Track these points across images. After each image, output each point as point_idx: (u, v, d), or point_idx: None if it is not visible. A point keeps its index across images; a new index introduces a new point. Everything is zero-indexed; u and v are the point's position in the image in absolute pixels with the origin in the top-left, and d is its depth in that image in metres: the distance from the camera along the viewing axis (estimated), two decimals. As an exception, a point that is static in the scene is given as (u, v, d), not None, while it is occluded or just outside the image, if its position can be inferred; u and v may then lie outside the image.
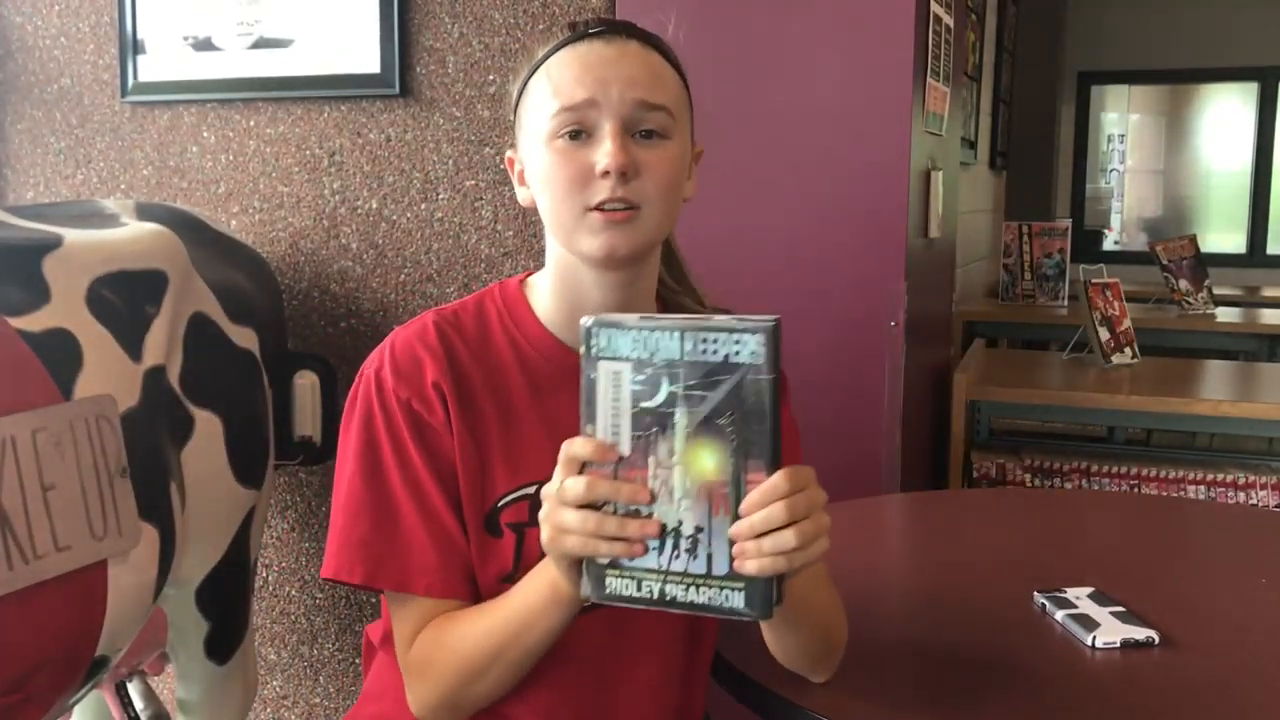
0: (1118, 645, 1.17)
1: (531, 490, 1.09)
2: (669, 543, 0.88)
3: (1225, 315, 4.16)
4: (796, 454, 1.18)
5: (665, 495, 0.88)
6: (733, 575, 0.87)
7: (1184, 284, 4.17)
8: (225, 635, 1.79)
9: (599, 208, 1.03)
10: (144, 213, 1.79)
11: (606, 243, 1.04)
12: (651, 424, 0.87)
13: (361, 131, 2.18)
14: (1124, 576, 1.39)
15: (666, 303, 1.19)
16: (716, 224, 1.99)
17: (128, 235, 1.61)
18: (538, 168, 1.07)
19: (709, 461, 0.87)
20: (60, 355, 1.41)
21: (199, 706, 1.83)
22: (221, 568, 1.72)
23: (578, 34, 1.07)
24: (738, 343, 0.85)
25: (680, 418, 0.87)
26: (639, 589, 0.89)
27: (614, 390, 0.87)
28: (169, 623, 1.72)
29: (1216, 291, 4.32)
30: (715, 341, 0.86)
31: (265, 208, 2.26)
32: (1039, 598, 1.29)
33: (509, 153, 1.15)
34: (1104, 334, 2.81)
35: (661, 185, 1.05)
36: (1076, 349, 2.93)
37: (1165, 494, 2.39)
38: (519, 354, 1.12)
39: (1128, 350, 2.84)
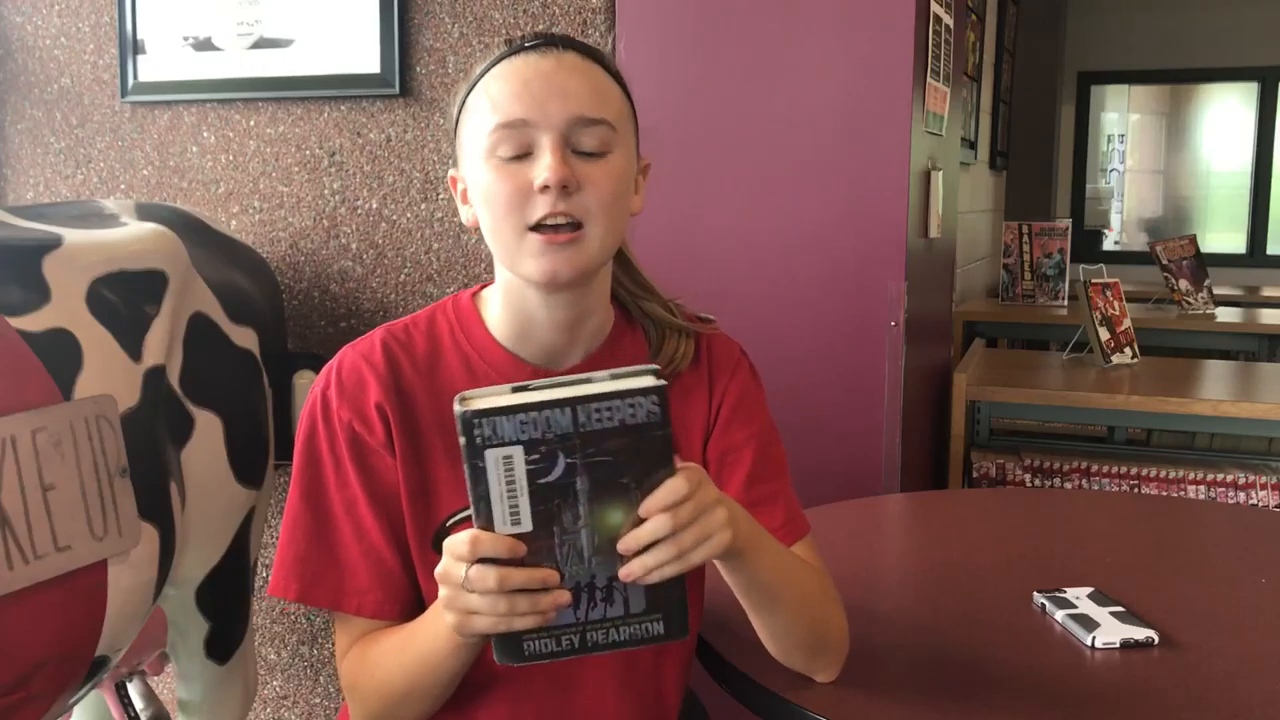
0: (1117, 645, 1.17)
1: None
2: (584, 596, 0.88)
3: (1225, 315, 4.16)
4: (780, 455, 1.19)
5: (574, 556, 0.87)
6: (650, 607, 0.88)
7: (1184, 284, 4.17)
8: (225, 635, 1.78)
9: (540, 226, 1.01)
10: (144, 213, 1.79)
11: (549, 266, 1.02)
12: (553, 495, 0.85)
13: (361, 131, 2.18)
14: (1124, 576, 1.39)
15: (629, 309, 1.18)
16: (717, 224, 1.99)
17: (128, 235, 1.61)
18: (478, 186, 1.05)
19: (615, 518, 0.86)
20: (60, 355, 1.41)
21: (199, 706, 1.83)
22: (221, 568, 1.72)
23: (513, 48, 1.05)
24: (631, 406, 0.84)
25: (582, 485, 0.85)
26: (559, 644, 0.89)
27: (508, 474, 0.84)
28: (169, 623, 1.72)
29: (1216, 291, 4.32)
30: (608, 410, 0.84)
31: (265, 208, 2.26)
32: (1039, 598, 1.29)
33: (451, 172, 1.12)
34: (1104, 334, 2.81)
35: (604, 200, 1.02)
36: (1076, 349, 2.93)
37: (1165, 494, 2.39)
38: (470, 367, 1.11)
39: (1128, 350, 2.84)
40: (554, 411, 0.84)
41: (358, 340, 1.12)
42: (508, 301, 1.10)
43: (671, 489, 0.86)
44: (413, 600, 1.10)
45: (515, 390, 0.87)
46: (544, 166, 1.00)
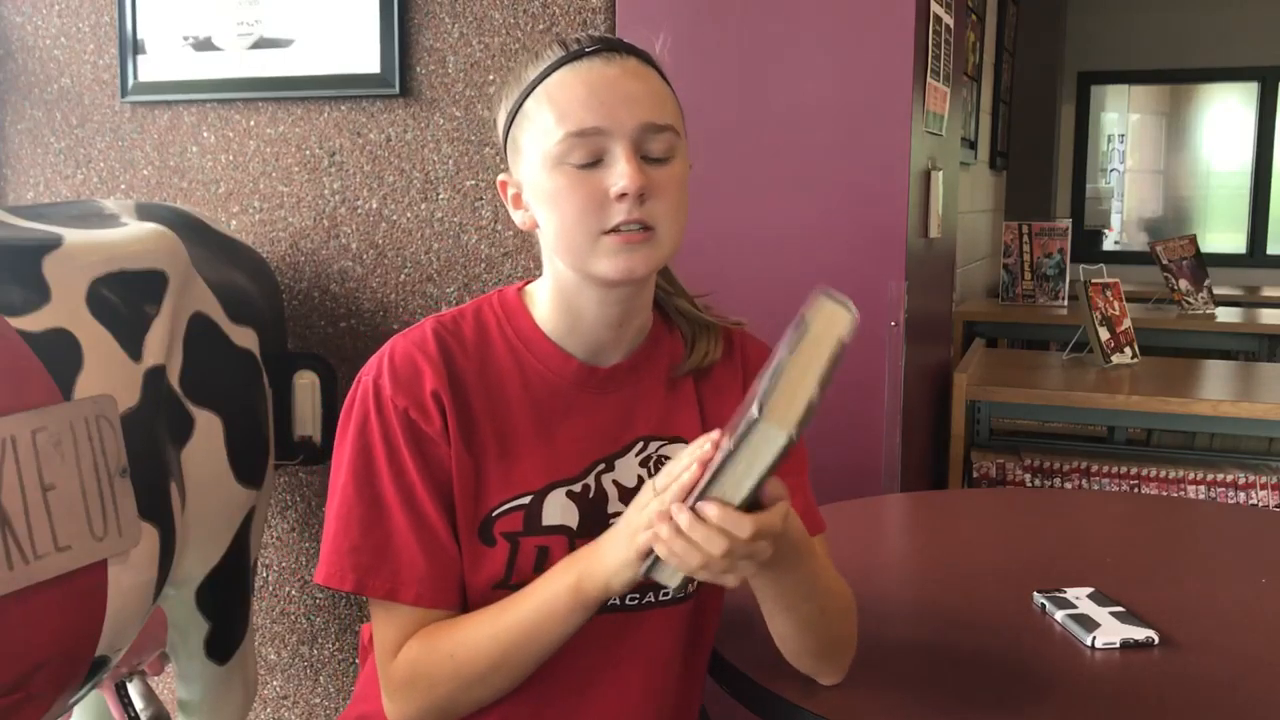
0: (1117, 645, 1.17)
1: (526, 500, 1.09)
2: None
3: (1225, 315, 4.16)
4: (802, 452, 1.19)
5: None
6: None
7: (1184, 284, 4.17)
8: (225, 635, 1.78)
9: (615, 230, 1.03)
10: (144, 213, 1.79)
11: (625, 264, 1.04)
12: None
13: (361, 131, 2.18)
14: (1124, 576, 1.39)
15: (662, 305, 1.20)
16: (717, 224, 1.99)
17: (128, 235, 1.61)
18: (543, 192, 1.06)
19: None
20: (60, 355, 1.41)
21: (199, 706, 1.83)
22: (221, 568, 1.72)
23: (573, 53, 1.06)
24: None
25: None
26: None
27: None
28: (169, 623, 1.72)
29: (1216, 291, 4.32)
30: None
31: (265, 208, 2.26)
32: (1039, 598, 1.29)
33: (501, 176, 1.13)
34: (1104, 334, 2.81)
35: (673, 205, 1.05)
36: (1076, 349, 2.93)
37: (1165, 494, 2.39)
38: (519, 361, 1.12)
39: (1128, 350, 2.84)
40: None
41: (407, 330, 1.13)
42: (559, 298, 1.12)
43: (768, 522, 0.92)
44: (461, 588, 1.10)
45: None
46: (620, 174, 1.02)
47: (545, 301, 1.13)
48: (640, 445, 1.14)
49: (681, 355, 1.18)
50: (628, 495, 1.11)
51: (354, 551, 1.07)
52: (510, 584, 1.08)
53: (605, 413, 1.13)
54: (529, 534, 1.09)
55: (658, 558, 0.95)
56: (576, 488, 1.11)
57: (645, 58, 1.09)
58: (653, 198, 1.03)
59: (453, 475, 1.08)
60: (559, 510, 1.10)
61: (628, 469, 1.13)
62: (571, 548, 1.09)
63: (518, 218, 1.12)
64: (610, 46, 1.06)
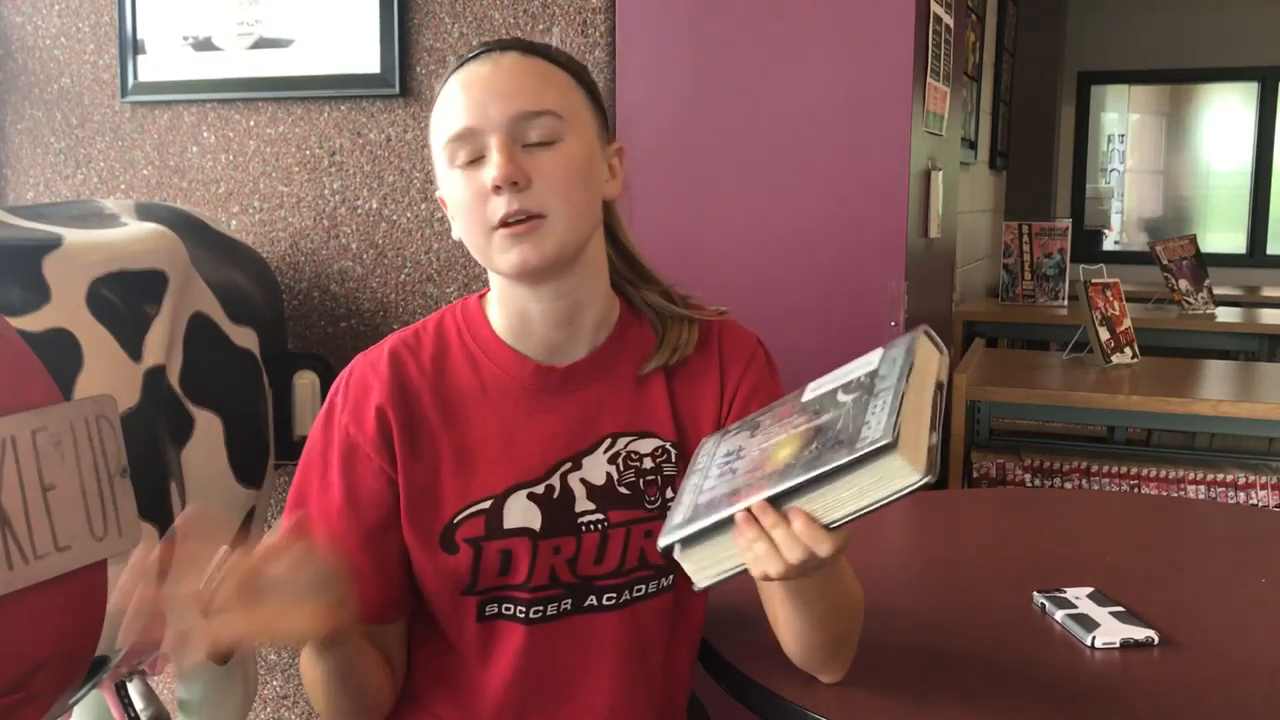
0: (1117, 645, 1.17)
1: (485, 505, 1.10)
2: None
3: (1225, 315, 4.15)
4: None
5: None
6: None
7: (1184, 284, 4.17)
8: (225, 635, 1.78)
9: (503, 224, 1.04)
10: (144, 213, 1.79)
11: (517, 257, 1.04)
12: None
13: (361, 131, 2.18)
14: (1124, 576, 1.39)
15: (631, 300, 1.19)
16: (716, 224, 1.99)
17: (128, 235, 1.61)
18: (448, 197, 1.09)
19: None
20: (60, 355, 1.41)
21: (199, 706, 1.83)
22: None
23: (459, 64, 1.09)
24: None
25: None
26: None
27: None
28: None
29: (1216, 291, 4.32)
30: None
31: (265, 208, 2.26)
32: (1039, 598, 1.29)
33: (438, 193, 1.14)
34: (1104, 334, 2.81)
35: (559, 188, 1.04)
36: (1076, 349, 2.92)
37: (1165, 494, 2.39)
38: (476, 367, 1.13)
39: (1128, 350, 2.84)
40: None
41: (371, 347, 1.16)
42: (503, 301, 1.13)
43: (845, 540, 0.90)
44: (387, 603, 1.12)
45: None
46: (491, 166, 1.03)
47: (495, 306, 1.14)
48: (608, 442, 1.13)
49: (654, 346, 1.16)
50: (595, 493, 1.11)
51: None
52: (476, 589, 1.10)
53: (567, 411, 1.13)
54: (490, 538, 1.09)
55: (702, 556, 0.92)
56: (539, 489, 1.11)
57: (534, 49, 1.09)
58: (535, 184, 1.03)
59: (398, 490, 1.10)
60: (520, 513, 1.10)
61: (596, 467, 1.12)
62: (534, 549, 1.09)
63: (454, 230, 1.12)
64: (490, 48, 1.08)
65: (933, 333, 0.92)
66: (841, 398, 0.90)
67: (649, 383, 1.15)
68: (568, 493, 1.11)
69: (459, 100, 1.06)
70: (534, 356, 1.13)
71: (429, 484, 1.10)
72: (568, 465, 1.12)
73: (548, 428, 1.12)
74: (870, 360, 0.93)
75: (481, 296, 1.18)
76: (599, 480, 1.12)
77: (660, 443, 1.14)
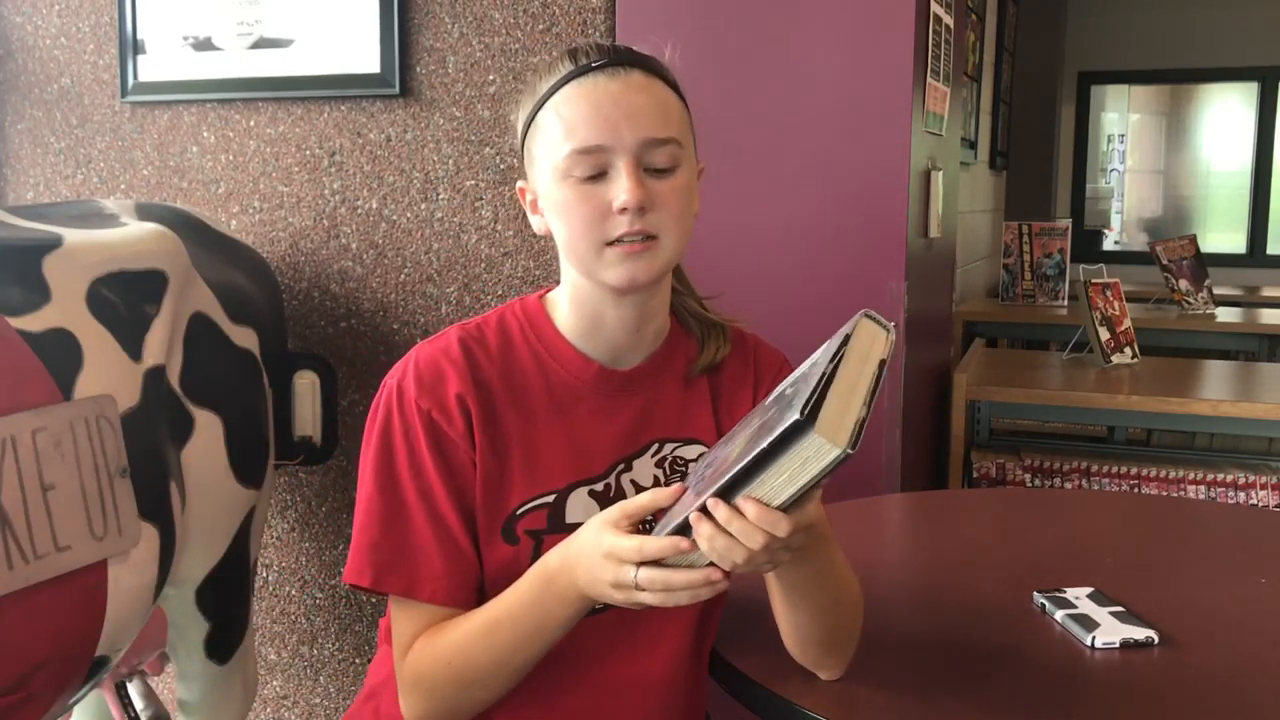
0: (1117, 645, 1.17)
1: (549, 499, 1.12)
2: None
3: (1225, 315, 4.16)
4: None
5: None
6: None
7: (1184, 284, 4.17)
8: (225, 635, 1.78)
9: (619, 241, 1.06)
10: (144, 213, 1.79)
11: (628, 274, 1.07)
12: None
13: (361, 131, 2.18)
14: (1124, 576, 1.39)
15: (675, 308, 1.22)
16: (717, 224, 1.99)
17: (128, 235, 1.61)
18: (553, 202, 1.10)
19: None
20: (60, 355, 1.41)
21: (199, 706, 1.83)
22: (221, 568, 1.72)
23: (581, 68, 1.09)
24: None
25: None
26: None
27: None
28: (169, 623, 1.72)
29: (1216, 291, 4.32)
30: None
31: (265, 208, 2.26)
32: (1039, 598, 1.29)
33: (519, 183, 1.17)
34: (1104, 334, 2.81)
35: (675, 214, 1.08)
36: (1076, 349, 2.92)
37: (1165, 494, 2.39)
38: (541, 365, 1.15)
39: (1128, 350, 2.84)
40: None
41: (432, 338, 1.16)
42: (577, 304, 1.15)
43: (803, 518, 0.91)
44: (475, 586, 1.12)
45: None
46: (622, 189, 1.05)
47: (565, 307, 1.16)
48: (656, 446, 1.17)
49: (696, 355, 1.20)
50: None
51: (373, 548, 1.10)
52: None
53: (624, 414, 1.16)
54: (552, 531, 1.11)
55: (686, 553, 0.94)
56: (599, 487, 1.14)
57: (651, 67, 1.11)
58: (655, 209, 1.06)
59: (476, 477, 1.11)
60: (581, 509, 1.12)
61: (644, 470, 1.16)
62: None
63: (535, 223, 1.16)
64: (617, 60, 1.09)
65: (876, 314, 0.94)
66: (787, 392, 0.93)
67: (694, 390, 1.20)
68: (621, 493, 1.15)
69: (586, 113, 1.07)
70: (598, 359, 1.16)
71: (499, 473, 1.11)
72: (621, 466, 1.16)
73: (606, 429, 1.15)
74: (816, 354, 0.94)
75: (540, 296, 1.20)
76: (646, 483, 1.16)
77: (704, 449, 1.18)
